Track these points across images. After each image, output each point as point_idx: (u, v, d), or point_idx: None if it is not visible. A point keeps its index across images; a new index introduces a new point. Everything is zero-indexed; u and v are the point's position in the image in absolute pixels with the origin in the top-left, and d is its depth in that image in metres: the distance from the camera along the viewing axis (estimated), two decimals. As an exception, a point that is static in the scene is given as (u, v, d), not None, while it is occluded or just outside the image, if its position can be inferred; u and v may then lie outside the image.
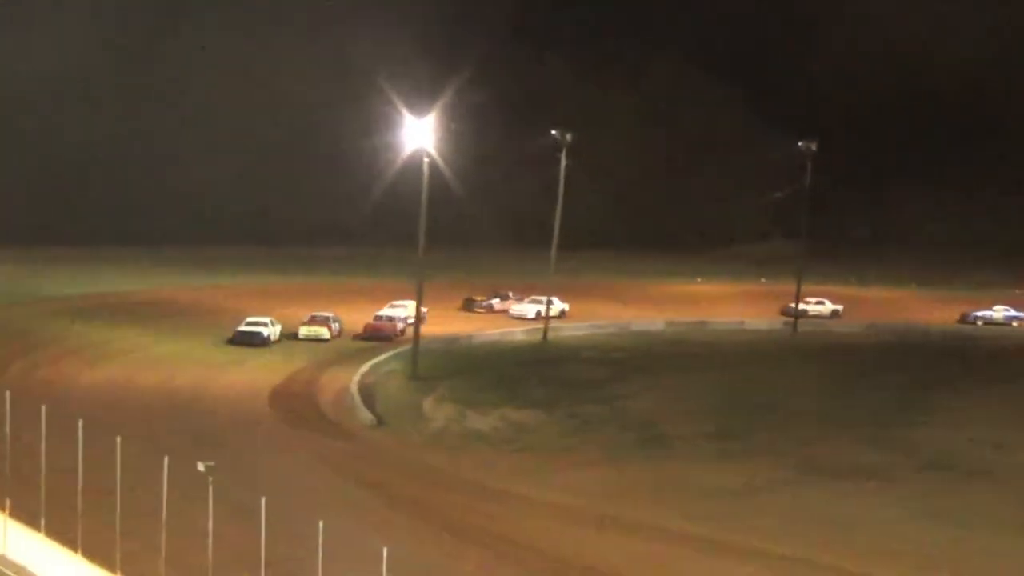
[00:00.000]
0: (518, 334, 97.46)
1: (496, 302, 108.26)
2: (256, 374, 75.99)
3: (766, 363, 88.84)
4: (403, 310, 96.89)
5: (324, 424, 67.11)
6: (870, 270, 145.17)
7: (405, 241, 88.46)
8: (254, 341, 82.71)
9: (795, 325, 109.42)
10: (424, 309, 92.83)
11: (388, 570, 29.21)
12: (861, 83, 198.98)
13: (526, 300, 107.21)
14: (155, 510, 35.50)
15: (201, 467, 33.73)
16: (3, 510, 42.19)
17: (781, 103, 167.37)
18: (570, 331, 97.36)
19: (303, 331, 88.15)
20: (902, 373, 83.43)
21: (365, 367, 78.38)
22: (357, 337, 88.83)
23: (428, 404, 71.46)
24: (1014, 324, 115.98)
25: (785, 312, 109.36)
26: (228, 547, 33.78)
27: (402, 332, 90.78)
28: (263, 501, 32.23)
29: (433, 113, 79.68)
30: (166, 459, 34.99)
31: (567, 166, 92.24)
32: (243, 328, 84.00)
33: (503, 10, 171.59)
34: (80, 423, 38.22)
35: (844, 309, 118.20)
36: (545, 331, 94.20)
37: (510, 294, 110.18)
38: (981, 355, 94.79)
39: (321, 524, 31.25)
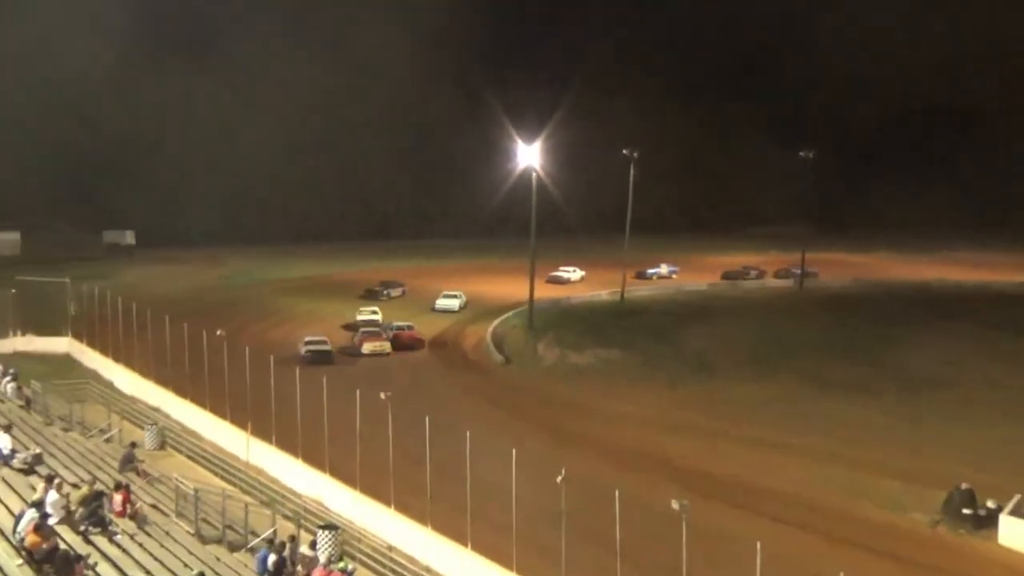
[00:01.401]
0: (603, 295, 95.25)
1: (394, 291, 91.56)
2: (422, 326, 76.18)
3: (782, 310, 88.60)
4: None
5: (468, 363, 67.69)
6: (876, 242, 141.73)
7: (522, 232, 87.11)
8: (322, 359, 63.92)
9: (801, 282, 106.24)
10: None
11: (516, 464, 29.64)
12: (858, 97, 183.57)
13: (442, 295, 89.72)
14: (350, 428, 36.45)
15: (383, 396, 34.53)
16: (246, 429, 43.19)
17: (794, 122, 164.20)
18: (641, 292, 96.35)
19: (367, 347, 67.63)
20: (880, 314, 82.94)
21: (496, 322, 78.81)
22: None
23: (541, 347, 71.58)
24: (673, 276, 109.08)
25: (548, 280, 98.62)
26: (403, 452, 34.63)
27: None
28: (427, 419, 32.87)
29: (539, 140, 79.81)
30: (358, 391, 35.80)
31: (634, 175, 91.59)
32: (312, 348, 65.36)
33: (590, 65, 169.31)
34: (297, 370, 39.26)
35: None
36: (622, 292, 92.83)
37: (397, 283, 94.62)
38: (932, 300, 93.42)
39: (468, 433, 31.80)
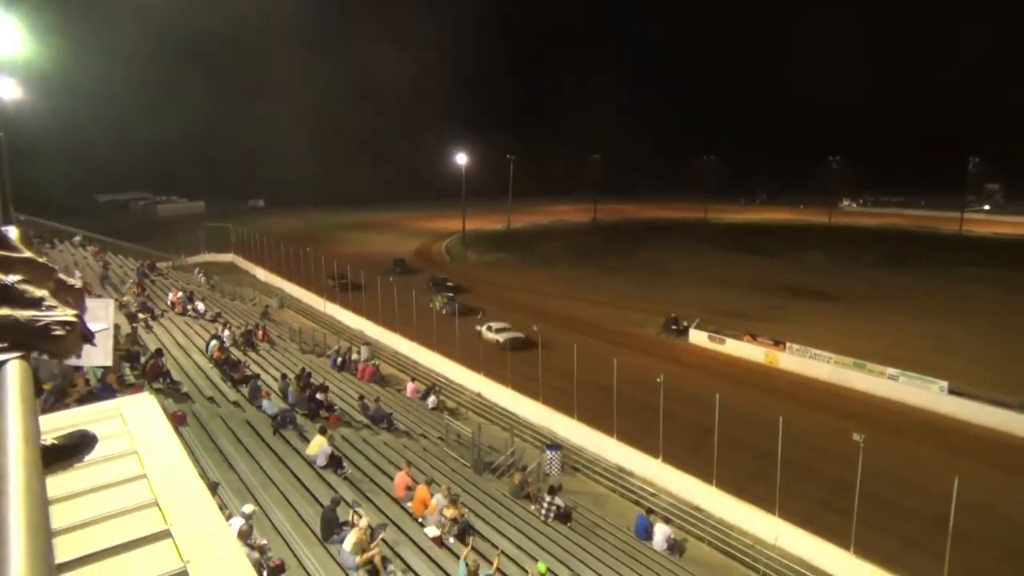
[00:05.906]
0: (498, 227, 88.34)
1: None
2: (411, 245, 74.38)
3: (584, 233, 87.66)
4: None
5: (433, 261, 66.25)
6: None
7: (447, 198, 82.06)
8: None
9: (595, 217, 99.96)
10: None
11: (459, 309, 29.21)
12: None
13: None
14: (375, 296, 35.40)
15: (391, 279, 33.66)
16: (323, 297, 42.00)
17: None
18: (517, 226, 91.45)
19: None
20: (632, 233, 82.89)
21: (447, 241, 77.17)
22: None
23: (469, 252, 70.18)
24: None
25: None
26: (403, 308, 33.90)
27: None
28: (413, 293, 32.23)
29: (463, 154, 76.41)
30: (379, 277, 34.92)
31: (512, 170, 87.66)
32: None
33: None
34: (348, 266, 37.93)
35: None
36: (508, 224, 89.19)
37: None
38: (659, 227, 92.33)
39: (428, 299, 30.97)
